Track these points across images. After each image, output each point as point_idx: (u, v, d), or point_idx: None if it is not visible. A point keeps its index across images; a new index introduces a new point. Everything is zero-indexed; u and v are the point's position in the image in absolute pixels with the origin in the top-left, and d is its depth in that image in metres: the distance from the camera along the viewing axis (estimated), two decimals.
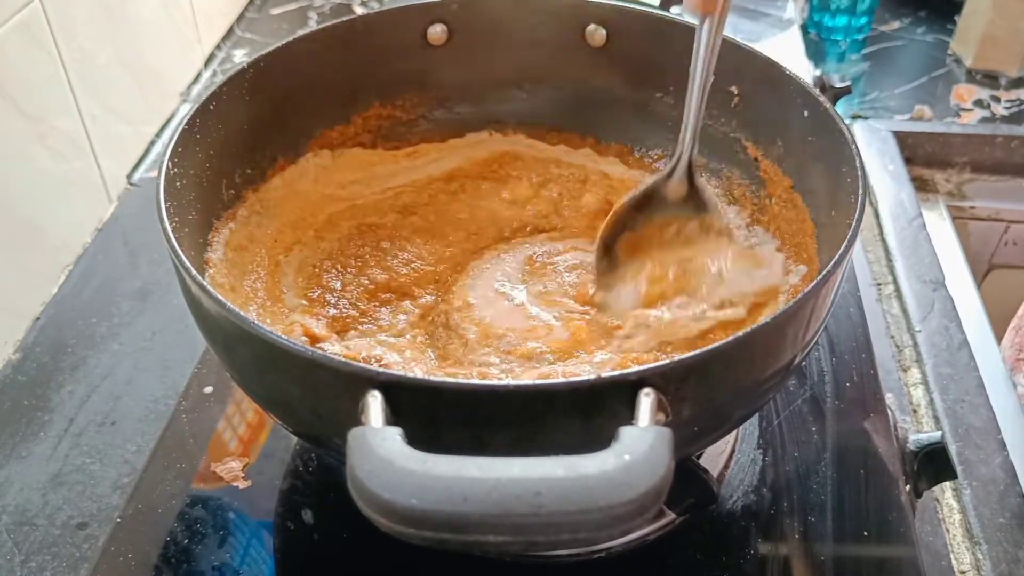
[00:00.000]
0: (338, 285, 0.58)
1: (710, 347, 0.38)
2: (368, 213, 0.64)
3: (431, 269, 0.61)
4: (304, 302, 0.57)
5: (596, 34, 0.64)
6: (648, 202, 0.55)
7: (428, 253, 0.62)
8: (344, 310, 0.57)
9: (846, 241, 0.44)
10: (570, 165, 0.68)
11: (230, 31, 1.10)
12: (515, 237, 0.64)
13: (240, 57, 1.06)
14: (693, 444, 0.47)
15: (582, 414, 0.37)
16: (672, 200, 0.55)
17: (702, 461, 0.56)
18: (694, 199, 0.55)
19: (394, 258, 0.61)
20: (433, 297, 0.59)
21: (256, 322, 0.40)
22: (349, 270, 0.60)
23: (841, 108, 0.99)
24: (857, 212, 0.46)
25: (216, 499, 0.57)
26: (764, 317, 0.40)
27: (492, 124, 0.69)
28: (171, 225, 0.46)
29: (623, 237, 0.56)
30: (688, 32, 0.62)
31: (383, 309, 0.57)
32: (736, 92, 0.61)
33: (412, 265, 0.61)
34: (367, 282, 0.59)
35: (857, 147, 0.50)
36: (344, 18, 0.63)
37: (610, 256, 0.56)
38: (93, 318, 0.71)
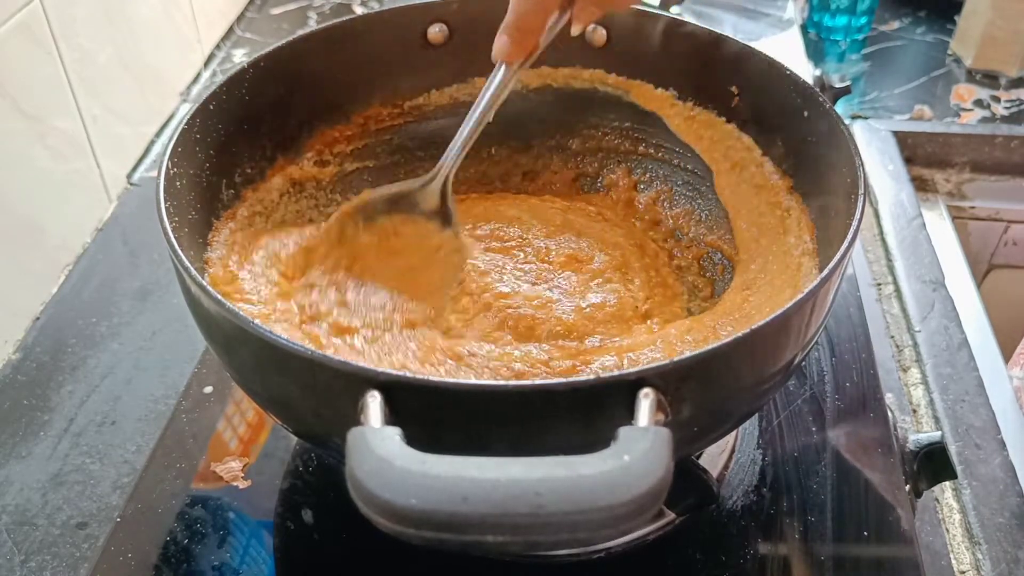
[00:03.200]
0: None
1: (710, 347, 0.38)
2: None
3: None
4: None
5: (596, 34, 0.64)
6: (399, 201, 0.58)
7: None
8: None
9: (846, 241, 0.44)
10: None
11: (230, 31, 1.10)
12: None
13: (240, 57, 1.06)
14: (693, 444, 0.47)
15: (582, 414, 0.37)
16: (421, 208, 0.57)
17: (702, 461, 0.56)
18: (441, 214, 0.57)
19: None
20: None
21: (256, 322, 0.40)
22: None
23: (841, 108, 0.99)
24: (857, 212, 0.46)
25: (216, 499, 0.57)
26: (764, 318, 0.40)
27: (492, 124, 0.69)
28: (171, 225, 0.46)
29: (359, 225, 0.57)
30: (688, 32, 0.62)
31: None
32: (736, 92, 0.61)
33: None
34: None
35: (857, 147, 0.50)
36: (344, 18, 0.63)
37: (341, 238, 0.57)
38: (93, 318, 0.71)
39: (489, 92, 0.54)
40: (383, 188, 0.58)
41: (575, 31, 0.53)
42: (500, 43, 0.52)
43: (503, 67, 0.53)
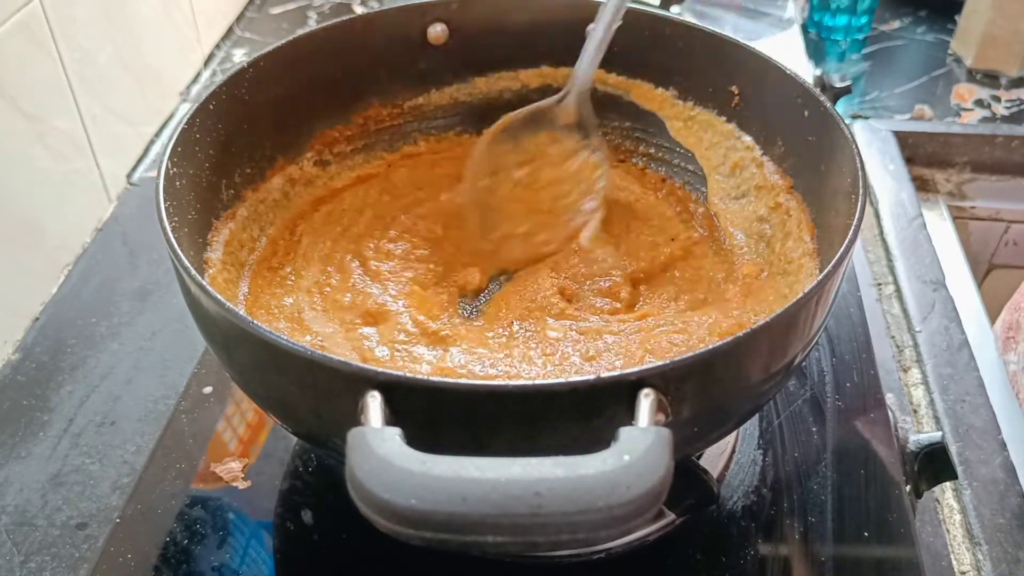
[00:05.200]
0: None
1: (710, 347, 0.38)
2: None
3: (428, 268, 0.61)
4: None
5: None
6: (538, 119, 0.61)
7: (427, 250, 0.62)
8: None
9: (846, 241, 0.44)
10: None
11: (230, 31, 1.10)
12: None
13: (240, 57, 1.06)
14: (693, 445, 0.47)
15: (582, 414, 0.37)
16: (560, 123, 0.61)
17: (702, 461, 0.56)
18: (580, 126, 0.61)
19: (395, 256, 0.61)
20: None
21: (256, 322, 0.40)
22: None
23: (841, 108, 0.99)
24: (857, 212, 0.46)
25: (216, 499, 0.57)
26: (764, 318, 0.40)
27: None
28: (171, 225, 0.46)
29: (507, 147, 0.61)
30: (688, 32, 0.62)
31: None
32: (736, 92, 0.61)
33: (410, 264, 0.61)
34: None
35: (857, 147, 0.50)
36: (344, 18, 0.63)
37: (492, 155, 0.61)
38: (92, 318, 0.71)
39: None
40: (520, 110, 0.61)
41: None
42: None
43: None
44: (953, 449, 0.61)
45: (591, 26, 0.59)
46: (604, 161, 0.62)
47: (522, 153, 0.61)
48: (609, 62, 0.65)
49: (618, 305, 0.57)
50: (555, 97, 0.60)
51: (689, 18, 0.99)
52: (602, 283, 0.59)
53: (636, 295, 0.58)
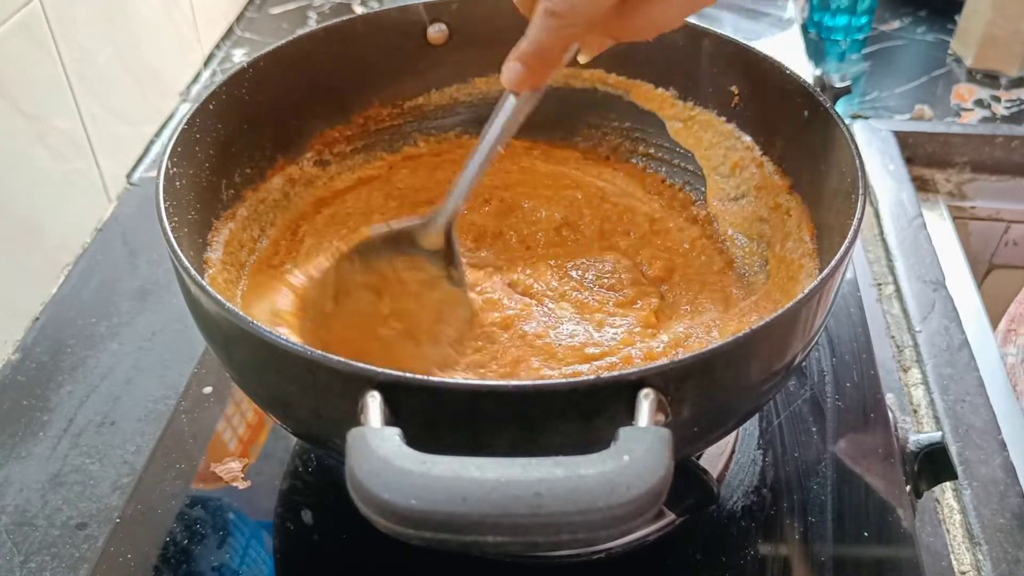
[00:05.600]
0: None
1: (710, 347, 0.38)
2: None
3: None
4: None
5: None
6: (399, 240, 0.53)
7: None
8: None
9: (846, 241, 0.44)
10: None
11: (230, 31, 1.10)
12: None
13: (240, 57, 1.06)
14: (693, 445, 0.47)
15: (581, 415, 0.37)
16: (423, 247, 0.53)
17: (702, 461, 0.56)
18: (446, 255, 0.53)
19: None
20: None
21: (256, 322, 0.40)
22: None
23: (841, 108, 0.99)
24: (857, 212, 0.46)
25: (216, 499, 0.57)
26: (764, 318, 0.40)
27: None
28: (171, 225, 0.46)
29: (355, 268, 0.53)
30: (688, 32, 0.62)
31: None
32: (736, 92, 0.61)
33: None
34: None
35: (857, 147, 0.50)
36: (344, 18, 0.63)
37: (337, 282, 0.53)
38: (92, 318, 0.71)
39: (498, 122, 0.49)
40: (381, 226, 0.54)
41: (583, 59, 0.51)
42: (513, 71, 0.46)
43: (511, 97, 0.48)
44: (953, 449, 0.61)
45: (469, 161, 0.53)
46: (466, 294, 0.55)
47: (374, 277, 0.53)
48: (609, 62, 0.65)
49: (618, 307, 0.57)
50: (421, 220, 0.53)
51: (689, 18, 0.99)
52: (603, 284, 0.59)
53: (636, 296, 0.58)
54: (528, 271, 0.60)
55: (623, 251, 0.62)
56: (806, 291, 0.41)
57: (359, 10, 1.17)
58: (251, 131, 0.58)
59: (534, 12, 0.44)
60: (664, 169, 0.67)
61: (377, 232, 0.53)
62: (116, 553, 0.54)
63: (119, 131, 0.84)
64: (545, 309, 0.56)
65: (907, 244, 0.80)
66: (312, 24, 1.14)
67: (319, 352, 0.38)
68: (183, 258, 0.43)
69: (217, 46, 1.07)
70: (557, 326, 0.55)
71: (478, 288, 0.57)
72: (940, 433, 0.62)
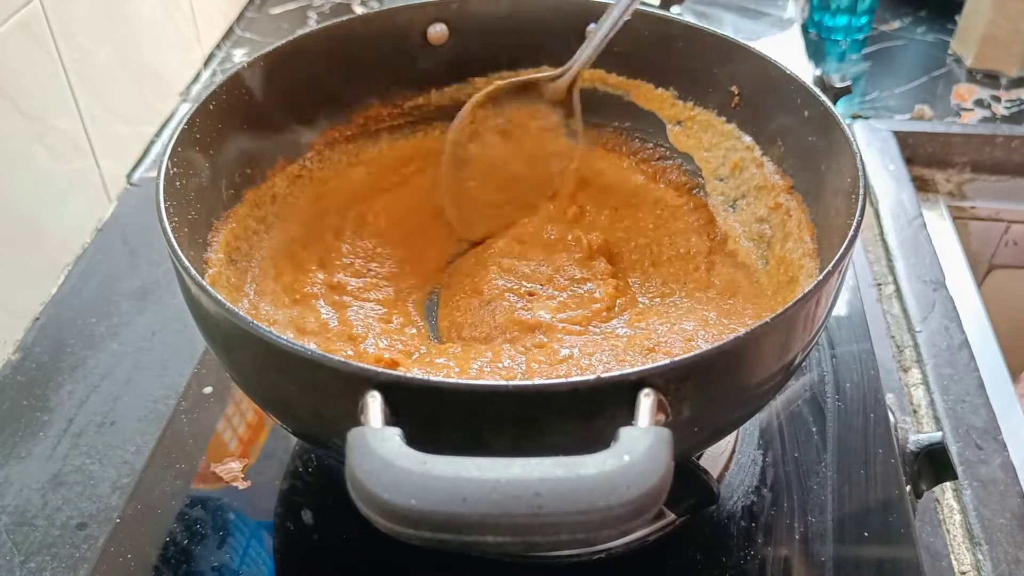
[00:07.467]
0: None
1: (710, 347, 0.38)
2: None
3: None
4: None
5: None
6: (527, 89, 0.63)
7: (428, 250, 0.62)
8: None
9: (846, 241, 0.44)
10: None
11: (230, 31, 1.10)
12: None
13: (240, 57, 1.06)
14: (693, 445, 0.47)
15: (582, 415, 0.37)
16: (548, 99, 0.63)
17: (702, 461, 0.56)
18: (566, 107, 0.63)
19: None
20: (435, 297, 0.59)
21: (256, 322, 0.40)
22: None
23: (841, 108, 0.99)
24: (857, 212, 0.46)
25: (216, 500, 0.57)
26: (764, 318, 0.40)
27: None
28: (171, 225, 0.46)
29: (491, 113, 0.63)
30: (688, 32, 0.62)
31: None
32: (736, 92, 0.61)
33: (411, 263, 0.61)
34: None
35: (857, 147, 0.50)
36: (344, 18, 0.63)
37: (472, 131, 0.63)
38: (92, 318, 0.71)
39: None
40: (511, 79, 0.63)
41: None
42: None
43: None
44: (953, 449, 0.61)
45: (592, 25, 0.60)
46: (579, 146, 0.65)
47: (505, 121, 0.63)
48: (609, 62, 0.65)
49: (619, 310, 0.57)
50: (551, 73, 0.63)
51: (689, 18, 0.99)
52: (605, 282, 0.59)
53: (636, 297, 0.58)
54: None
55: (623, 250, 0.62)
56: (806, 291, 0.41)
57: (359, 10, 1.17)
58: (251, 131, 0.58)
59: None
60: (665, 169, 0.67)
61: (509, 82, 0.63)
62: (116, 553, 0.54)
63: (119, 131, 0.84)
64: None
65: (907, 244, 0.80)
66: (312, 24, 1.14)
67: (319, 352, 0.38)
68: (183, 258, 0.43)
69: (217, 46, 1.07)
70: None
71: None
72: (940, 433, 0.62)
